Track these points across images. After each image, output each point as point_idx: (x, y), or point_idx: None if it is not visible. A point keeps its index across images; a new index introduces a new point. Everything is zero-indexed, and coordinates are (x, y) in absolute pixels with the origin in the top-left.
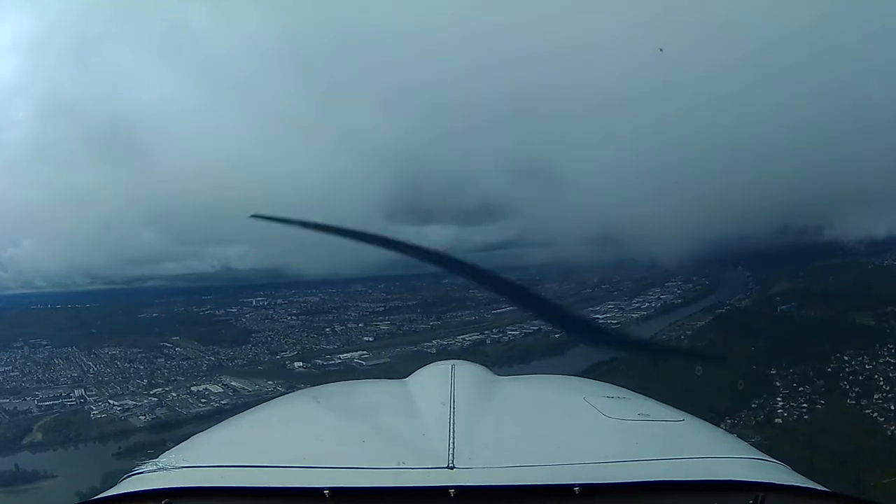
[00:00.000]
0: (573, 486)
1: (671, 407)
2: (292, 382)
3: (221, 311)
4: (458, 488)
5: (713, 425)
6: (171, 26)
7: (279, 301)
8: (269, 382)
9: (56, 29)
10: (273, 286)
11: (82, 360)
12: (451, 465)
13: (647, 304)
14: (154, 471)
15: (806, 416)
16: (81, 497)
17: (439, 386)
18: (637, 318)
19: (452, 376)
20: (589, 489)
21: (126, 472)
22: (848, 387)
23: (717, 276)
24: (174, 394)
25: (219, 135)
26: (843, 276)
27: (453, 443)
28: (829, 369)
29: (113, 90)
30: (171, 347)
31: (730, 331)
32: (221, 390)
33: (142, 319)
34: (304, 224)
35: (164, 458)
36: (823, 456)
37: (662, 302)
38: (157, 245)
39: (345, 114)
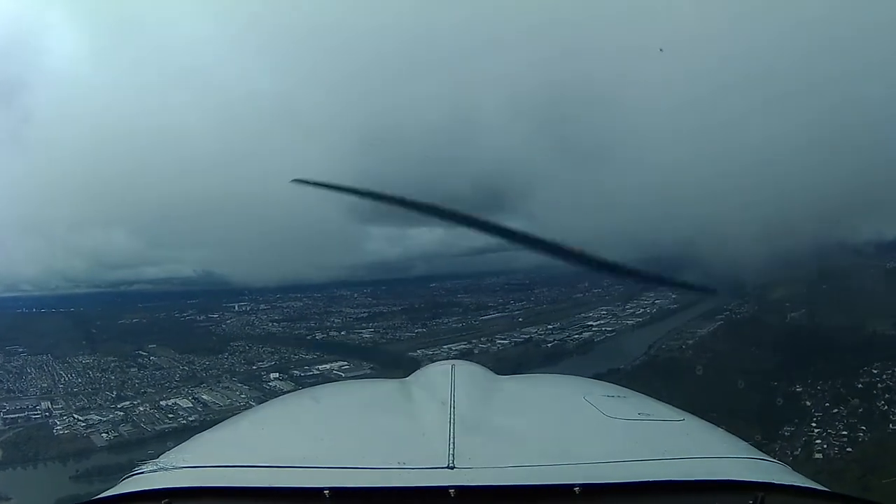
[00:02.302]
0: (573, 486)
1: (671, 406)
2: (266, 397)
3: (202, 317)
4: (458, 488)
5: (713, 425)
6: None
7: (262, 306)
8: (242, 396)
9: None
10: (258, 290)
11: (55, 368)
12: (451, 464)
13: (642, 309)
14: (154, 471)
15: (849, 449)
16: None
17: (439, 386)
18: (632, 324)
19: (452, 376)
20: (589, 489)
21: (126, 473)
22: (886, 407)
23: (712, 280)
24: (142, 408)
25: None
26: (848, 281)
27: (453, 443)
28: (860, 385)
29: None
30: (146, 356)
31: (737, 340)
32: (191, 405)
33: (122, 325)
34: (349, 190)
35: (165, 458)
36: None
37: (657, 307)
38: (141, 249)
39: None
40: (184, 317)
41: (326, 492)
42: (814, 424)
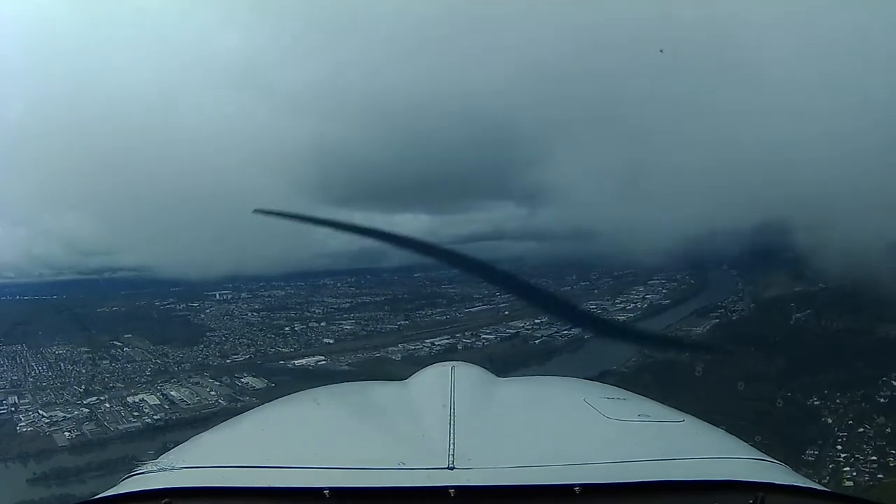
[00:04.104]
0: (573, 486)
1: (671, 408)
2: (238, 394)
3: (182, 306)
4: (458, 488)
5: (713, 426)
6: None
7: (243, 295)
8: (212, 393)
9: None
10: (240, 279)
11: (27, 360)
12: (451, 465)
13: (633, 304)
14: (154, 471)
15: (880, 475)
16: None
17: (439, 387)
18: (623, 320)
19: (452, 378)
20: (589, 489)
21: (126, 473)
22: None
23: (702, 276)
24: (108, 405)
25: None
26: (848, 280)
27: (453, 443)
28: (882, 399)
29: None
30: (119, 347)
31: (737, 342)
32: (158, 402)
33: (100, 314)
34: (308, 219)
35: (165, 458)
36: None
37: (648, 302)
38: (124, 235)
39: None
40: (164, 305)
41: (326, 492)
42: (839, 447)
